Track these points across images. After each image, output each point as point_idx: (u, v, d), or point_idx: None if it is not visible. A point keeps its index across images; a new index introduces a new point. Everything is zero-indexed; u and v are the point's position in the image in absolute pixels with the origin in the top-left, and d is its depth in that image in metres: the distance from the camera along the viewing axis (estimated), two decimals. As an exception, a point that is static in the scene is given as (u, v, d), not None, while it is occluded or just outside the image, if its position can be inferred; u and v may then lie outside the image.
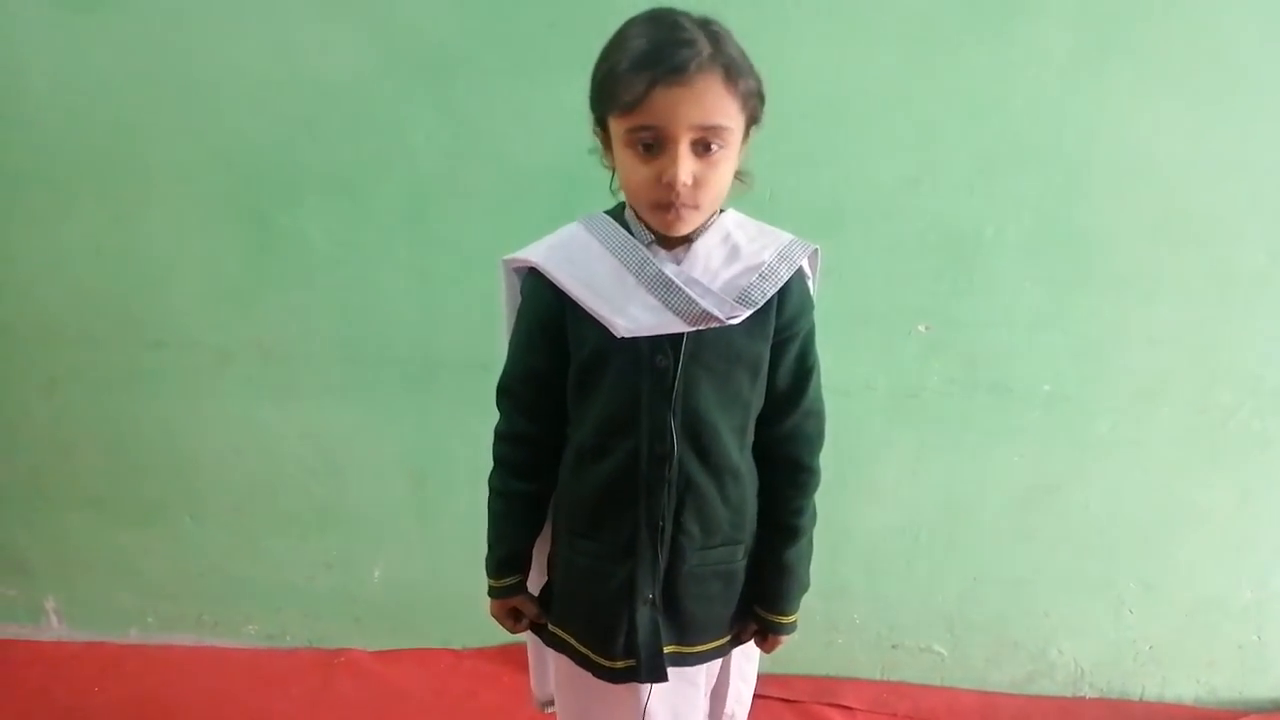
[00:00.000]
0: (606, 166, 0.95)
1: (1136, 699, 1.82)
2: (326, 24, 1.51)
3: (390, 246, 1.63)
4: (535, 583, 1.12)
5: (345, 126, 1.56)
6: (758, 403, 0.99)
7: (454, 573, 1.71)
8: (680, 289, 0.90)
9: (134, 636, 1.93)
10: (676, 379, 0.93)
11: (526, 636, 1.15)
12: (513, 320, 1.03)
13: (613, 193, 0.96)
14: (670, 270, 0.91)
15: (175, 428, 1.78)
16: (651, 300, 0.90)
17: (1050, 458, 1.67)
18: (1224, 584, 1.74)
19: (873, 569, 1.77)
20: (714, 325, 0.90)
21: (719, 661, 1.11)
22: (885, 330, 1.61)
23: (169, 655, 1.89)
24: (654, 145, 0.84)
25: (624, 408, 0.94)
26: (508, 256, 1.01)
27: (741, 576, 1.05)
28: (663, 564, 0.99)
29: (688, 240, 0.93)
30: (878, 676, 1.85)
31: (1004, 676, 1.83)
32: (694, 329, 0.90)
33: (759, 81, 0.88)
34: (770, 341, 0.96)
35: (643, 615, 1.00)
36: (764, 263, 0.93)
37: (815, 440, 1.03)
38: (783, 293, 0.94)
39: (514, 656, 1.78)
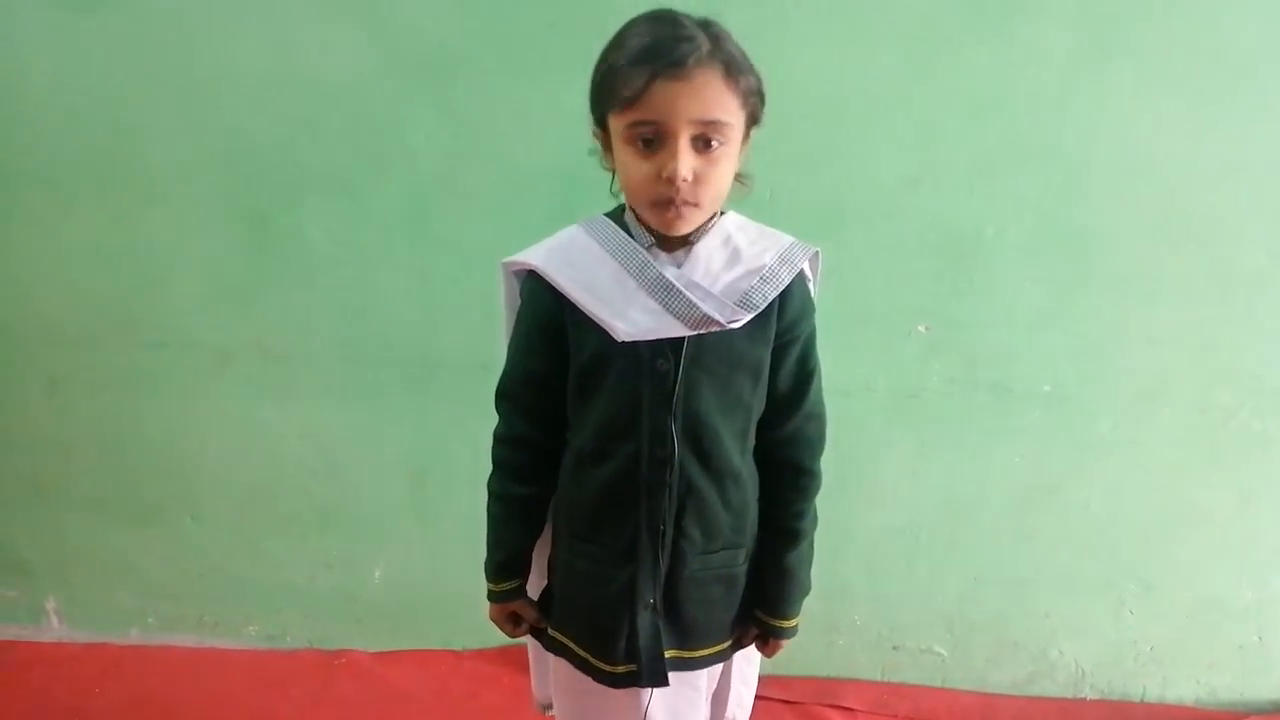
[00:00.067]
0: (606, 168, 0.94)
1: (1137, 700, 1.82)
2: (326, 24, 1.51)
3: (390, 246, 1.63)
4: (535, 586, 1.11)
5: (345, 126, 1.56)
6: (759, 406, 0.98)
7: (454, 573, 1.71)
8: (681, 292, 0.89)
9: (134, 637, 1.93)
10: (677, 383, 0.92)
11: (527, 639, 1.15)
12: (512, 323, 1.03)
13: (613, 195, 0.96)
14: (671, 273, 0.90)
15: (175, 428, 1.78)
16: (652, 304, 0.89)
17: (1050, 458, 1.67)
18: (1225, 585, 1.74)
19: (873, 570, 1.77)
20: (715, 329, 0.89)
21: (720, 665, 1.11)
22: (885, 330, 1.61)
23: (169, 656, 1.89)
24: (654, 140, 0.84)
25: (624, 411, 0.94)
26: (507, 259, 1.00)
27: (743, 580, 1.04)
28: (663, 568, 0.98)
29: (688, 243, 0.93)
30: (878, 677, 1.85)
31: (1004, 677, 1.83)
32: (695, 333, 0.90)
33: (759, 80, 0.87)
34: (771, 345, 0.95)
35: (644, 620, 0.99)
36: (765, 266, 0.92)
37: (816, 443, 1.03)
38: (784, 296, 0.93)
39: (515, 658, 1.78)
